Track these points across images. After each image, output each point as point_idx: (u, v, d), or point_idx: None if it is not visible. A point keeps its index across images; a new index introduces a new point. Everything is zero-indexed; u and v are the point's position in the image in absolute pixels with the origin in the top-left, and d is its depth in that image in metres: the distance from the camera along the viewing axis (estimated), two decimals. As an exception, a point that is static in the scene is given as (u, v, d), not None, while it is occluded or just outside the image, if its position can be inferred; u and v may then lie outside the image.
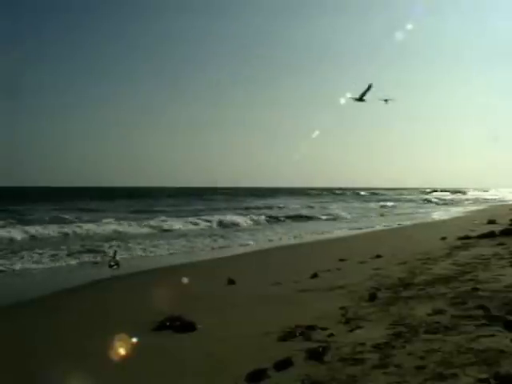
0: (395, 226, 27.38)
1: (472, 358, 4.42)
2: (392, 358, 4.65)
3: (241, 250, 17.51)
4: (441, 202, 62.78)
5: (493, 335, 5.01)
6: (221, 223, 27.90)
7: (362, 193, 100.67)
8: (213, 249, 18.09)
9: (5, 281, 12.25)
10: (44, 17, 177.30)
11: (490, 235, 14.72)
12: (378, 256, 12.76)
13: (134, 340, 6.15)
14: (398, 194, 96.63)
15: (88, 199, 59.14)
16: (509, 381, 3.88)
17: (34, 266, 13.72)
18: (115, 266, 13.13)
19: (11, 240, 19.77)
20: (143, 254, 16.28)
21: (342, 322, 6.28)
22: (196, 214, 34.06)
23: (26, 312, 8.74)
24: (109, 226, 25.07)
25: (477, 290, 7.19)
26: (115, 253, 14.06)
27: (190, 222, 27.62)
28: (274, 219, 32.28)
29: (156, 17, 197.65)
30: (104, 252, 16.00)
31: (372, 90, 14.06)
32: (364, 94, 14.16)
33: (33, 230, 22.12)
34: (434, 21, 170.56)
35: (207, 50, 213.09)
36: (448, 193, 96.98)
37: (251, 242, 19.73)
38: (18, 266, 13.55)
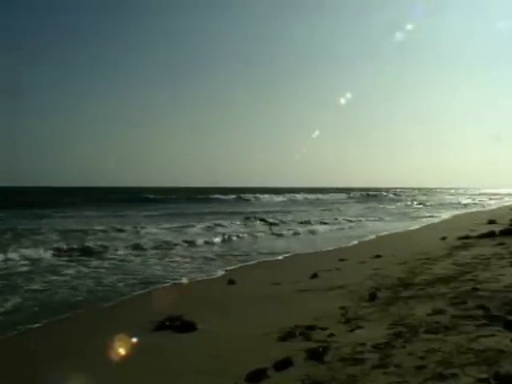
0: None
1: (472, 358, 4.42)
2: (392, 358, 4.65)
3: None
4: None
5: (493, 335, 5.01)
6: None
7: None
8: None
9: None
10: (44, 16, 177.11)
11: (490, 235, 14.73)
12: (378, 256, 12.77)
13: (134, 340, 6.16)
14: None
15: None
16: (509, 381, 3.88)
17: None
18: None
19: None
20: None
21: (342, 322, 6.29)
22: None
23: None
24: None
25: (477, 290, 7.19)
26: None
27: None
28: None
29: (156, 17, 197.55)
30: None
31: None
32: None
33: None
34: (433, 21, 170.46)
35: (207, 50, 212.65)
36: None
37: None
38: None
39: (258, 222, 28.47)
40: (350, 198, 78.00)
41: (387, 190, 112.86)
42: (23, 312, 8.49)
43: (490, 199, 67.35)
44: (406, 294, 7.56)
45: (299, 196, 74.30)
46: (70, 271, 12.54)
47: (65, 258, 14.68)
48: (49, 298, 9.58)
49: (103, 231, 21.83)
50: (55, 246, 16.61)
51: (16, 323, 7.66)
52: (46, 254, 14.83)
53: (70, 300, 9.41)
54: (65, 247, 16.27)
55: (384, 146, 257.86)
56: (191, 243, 18.08)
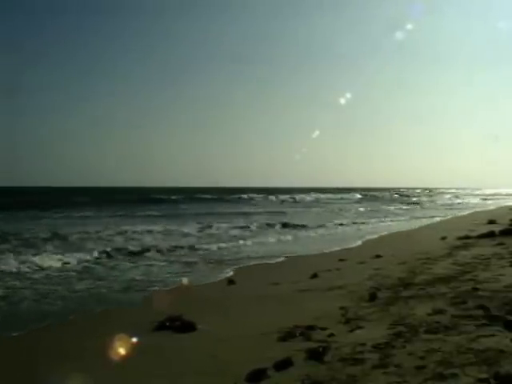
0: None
1: (472, 358, 4.42)
2: (392, 358, 4.65)
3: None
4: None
5: (493, 335, 5.01)
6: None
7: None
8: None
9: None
10: (44, 17, 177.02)
11: (490, 235, 14.74)
12: (378, 256, 12.77)
13: (134, 340, 6.16)
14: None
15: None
16: (509, 381, 3.88)
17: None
18: None
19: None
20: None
21: (342, 322, 6.28)
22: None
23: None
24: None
25: (477, 289, 7.20)
26: None
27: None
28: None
29: (155, 17, 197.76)
30: None
31: None
32: None
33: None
34: (433, 20, 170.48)
35: (207, 49, 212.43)
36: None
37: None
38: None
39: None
40: (358, 198, 77.73)
41: (387, 190, 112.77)
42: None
43: (486, 199, 67.17)
44: (406, 293, 7.56)
45: (305, 196, 74.13)
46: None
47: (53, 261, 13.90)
48: (13, 307, 9.03)
49: (98, 232, 21.64)
50: (43, 249, 16.14)
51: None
52: (28, 257, 14.05)
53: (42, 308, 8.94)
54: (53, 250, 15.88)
55: (384, 146, 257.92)
56: (192, 244, 18.07)
